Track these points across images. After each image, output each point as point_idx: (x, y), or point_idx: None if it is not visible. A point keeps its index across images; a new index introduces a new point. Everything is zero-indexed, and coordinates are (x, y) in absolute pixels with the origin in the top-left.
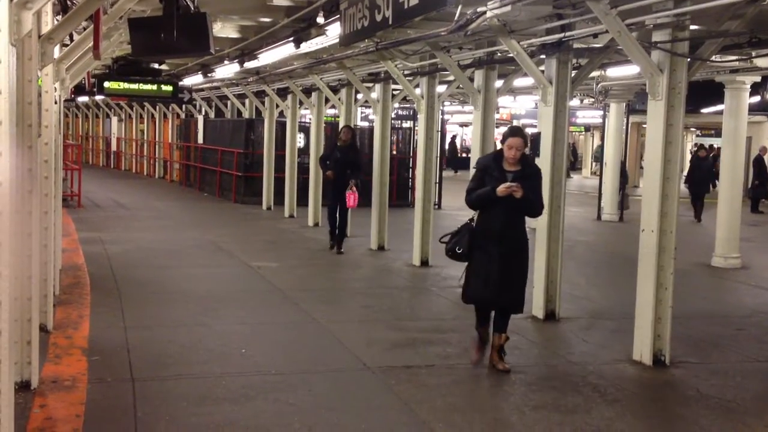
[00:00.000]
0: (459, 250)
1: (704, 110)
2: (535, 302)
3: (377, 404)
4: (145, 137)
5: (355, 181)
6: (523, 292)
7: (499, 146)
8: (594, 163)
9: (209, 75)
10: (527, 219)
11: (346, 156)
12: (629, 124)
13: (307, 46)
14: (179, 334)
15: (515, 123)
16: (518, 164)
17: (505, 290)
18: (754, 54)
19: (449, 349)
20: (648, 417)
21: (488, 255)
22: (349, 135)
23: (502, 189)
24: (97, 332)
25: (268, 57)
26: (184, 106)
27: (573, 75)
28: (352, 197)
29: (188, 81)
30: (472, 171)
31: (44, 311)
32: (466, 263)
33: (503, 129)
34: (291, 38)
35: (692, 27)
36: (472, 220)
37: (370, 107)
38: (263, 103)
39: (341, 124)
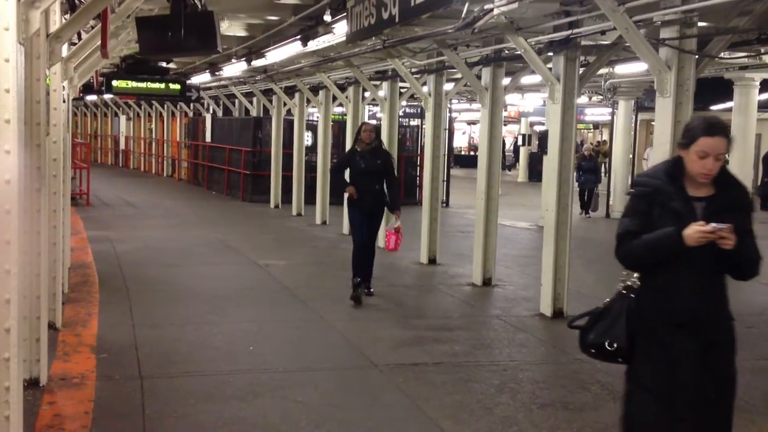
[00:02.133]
0: (611, 345)
1: (713, 107)
2: (543, 300)
3: (384, 402)
4: (154, 136)
5: (398, 213)
6: (732, 414)
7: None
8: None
9: (217, 73)
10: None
11: (372, 163)
12: (638, 122)
13: (314, 44)
14: (187, 332)
15: (524, 121)
16: (713, 185)
17: (708, 416)
18: (762, 51)
19: (457, 346)
20: None
21: (672, 352)
22: (373, 134)
23: (696, 233)
24: (105, 330)
25: (275, 55)
26: (192, 105)
27: (581, 72)
28: (393, 239)
29: (196, 79)
30: (614, 193)
31: (53, 309)
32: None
33: (511, 126)
34: (298, 36)
35: (700, 24)
36: (628, 288)
37: (377, 105)
38: (271, 101)
39: (349, 122)
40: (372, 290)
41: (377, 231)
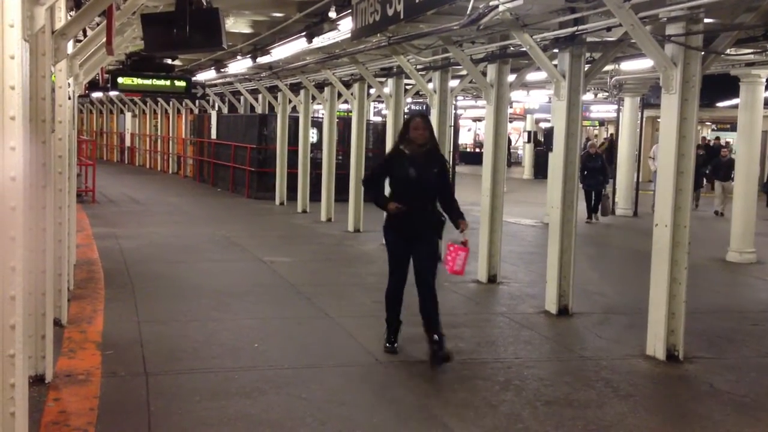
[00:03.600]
0: None
1: (719, 104)
2: (548, 297)
3: (389, 399)
4: (159, 133)
5: (464, 222)
6: None
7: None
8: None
9: (222, 70)
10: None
11: (426, 172)
12: (644, 118)
13: (319, 41)
14: (192, 329)
15: (529, 117)
16: None
17: None
18: None
19: (461, 344)
20: (661, 412)
21: None
22: (427, 133)
23: None
24: (110, 327)
25: (280, 52)
26: (197, 102)
27: (586, 69)
28: (459, 257)
29: (201, 76)
30: None
31: (58, 306)
32: None
33: (516, 123)
34: (303, 33)
35: (706, 20)
36: None
37: (382, 102)
38: (276, 98)
39: (354, 119)
40: (444, 346)
41: (435, 261)
